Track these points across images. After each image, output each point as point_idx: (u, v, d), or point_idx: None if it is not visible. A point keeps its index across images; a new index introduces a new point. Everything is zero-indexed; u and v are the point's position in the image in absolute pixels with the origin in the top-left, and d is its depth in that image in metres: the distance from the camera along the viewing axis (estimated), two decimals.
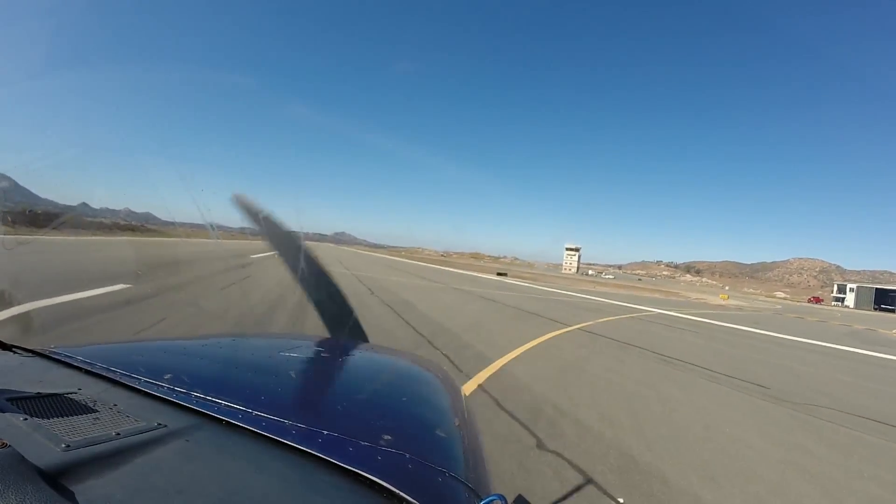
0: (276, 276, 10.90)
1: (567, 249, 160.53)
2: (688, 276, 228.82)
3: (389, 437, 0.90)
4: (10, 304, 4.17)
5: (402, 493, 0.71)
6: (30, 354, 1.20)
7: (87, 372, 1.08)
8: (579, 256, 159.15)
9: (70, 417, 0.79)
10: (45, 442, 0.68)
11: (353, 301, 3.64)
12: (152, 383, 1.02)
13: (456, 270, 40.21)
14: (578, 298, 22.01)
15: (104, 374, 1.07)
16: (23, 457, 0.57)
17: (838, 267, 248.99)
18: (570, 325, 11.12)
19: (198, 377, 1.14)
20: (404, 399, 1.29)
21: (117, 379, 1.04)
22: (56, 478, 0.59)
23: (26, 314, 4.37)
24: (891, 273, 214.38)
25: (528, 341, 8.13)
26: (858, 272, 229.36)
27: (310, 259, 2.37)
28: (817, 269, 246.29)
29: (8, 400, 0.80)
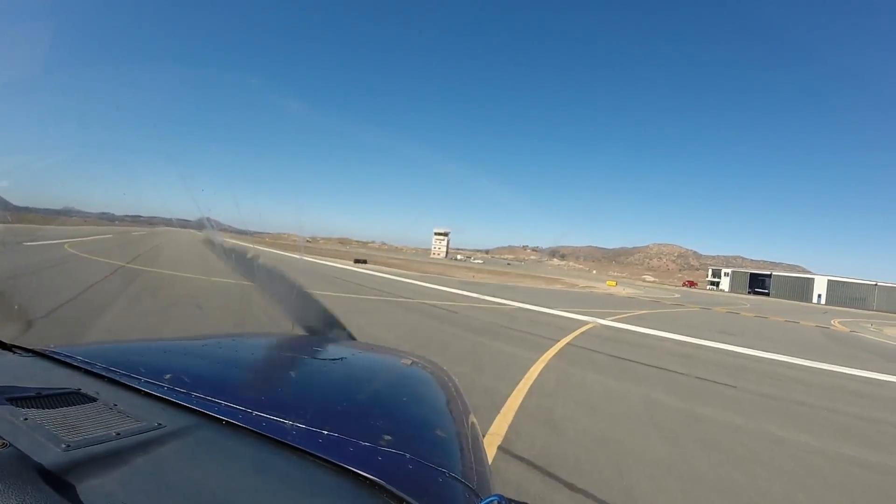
0: None
1: (436, 234, 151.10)
2: (554, 260, 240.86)
3: (389, 437, 0.89)
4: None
5: (401, 494, 0.70)
6: (30, 354, 1.19)
7: (87, 372, 1.08)
8: (448, 241, 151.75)
9: (70, 417, 0.78)
10: (45, 442, 0.67)
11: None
12: (152, 383, 1.02)
13: (304, 258, 30.15)
14: (463, 300, 13.90)
15: (104, 374, 1.06)
16: (23, 457, 0.58)
17: (695, 252, 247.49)
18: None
19: (198, 377, 1.12)
20: (404, 399, 1.27)
21: (117, 379, 1.03)
22: (56, 478, 0.58)
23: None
24: (743, 258, 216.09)
25: None
26: (713, 257, 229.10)
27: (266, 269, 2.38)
28: (675, 254, 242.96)
29: (8, 400, 0.80)
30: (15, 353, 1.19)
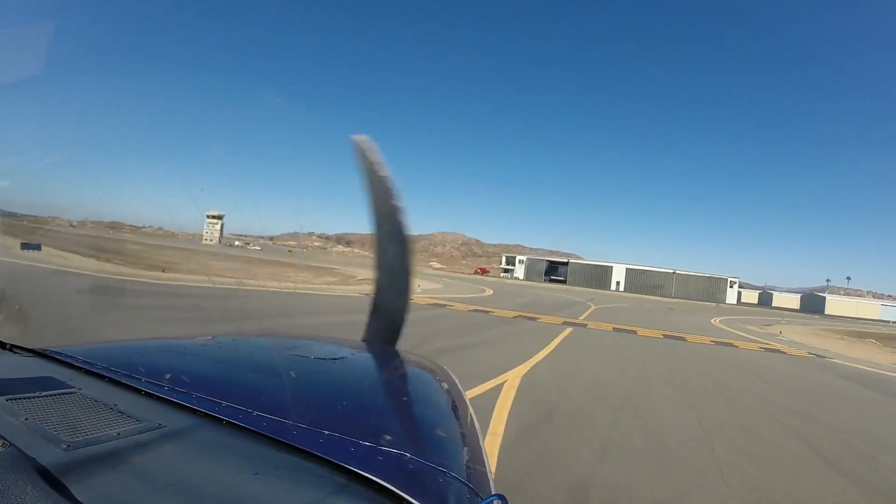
0: None
1: (208, 217, 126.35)
2: (339, 246, 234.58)
3: (389, 437, 0.88)
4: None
5: (402, 493, 0.70)
6: (30, 354, 1.18)
7: (87, 372, 1.06)
8: (222, 225, 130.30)
9: (70, 417, 0.78)
10: (45, 442, 0.68)
11: None
12: (152, 383, 1.00)
13: None
14: None
15: (104, 374, 1.04)
16: (23, 457, 0.57)
17: (478, 241, 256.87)
18: None
19: (198, 377, 1.10)
20: (404, 399, 1.26)
21: (117, 379, 1.02)
22: (57, 478, 0.59)
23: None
24: (523, 246, 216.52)
25: None
26: (496, 245, 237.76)
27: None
28: (459, 242, 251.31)
29: (8, 400, 0.80)
30: (15, 353, 1.19)
